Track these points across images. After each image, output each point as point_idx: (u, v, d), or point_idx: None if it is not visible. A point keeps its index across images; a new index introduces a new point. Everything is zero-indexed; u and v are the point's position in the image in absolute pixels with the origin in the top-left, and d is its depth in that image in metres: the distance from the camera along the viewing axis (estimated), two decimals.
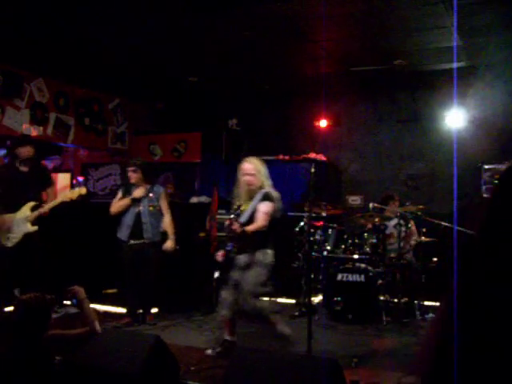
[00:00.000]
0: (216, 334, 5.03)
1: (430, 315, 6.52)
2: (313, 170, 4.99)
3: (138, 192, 5.94)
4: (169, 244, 5.99)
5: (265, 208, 4.55)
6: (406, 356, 4.81)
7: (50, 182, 6.33)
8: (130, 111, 9.24)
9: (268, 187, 4.73)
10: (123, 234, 5.99)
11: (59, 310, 6.30)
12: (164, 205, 6.11)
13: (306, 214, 6.62)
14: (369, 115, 8.56)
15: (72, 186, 9.59)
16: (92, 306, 6.78)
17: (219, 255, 4.75)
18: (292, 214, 7.01)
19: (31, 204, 5.91)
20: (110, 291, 7.31)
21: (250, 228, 4.41)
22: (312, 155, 8.01)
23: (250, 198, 4.70)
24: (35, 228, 5.89)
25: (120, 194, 6.07)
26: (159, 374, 3.55)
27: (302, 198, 7.18)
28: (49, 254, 6.35)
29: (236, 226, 4.29)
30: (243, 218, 4.54)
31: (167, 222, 6.07)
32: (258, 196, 4.63)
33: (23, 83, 7.31)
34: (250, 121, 8.80)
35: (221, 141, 8.43)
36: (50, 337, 3.07)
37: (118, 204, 5.99)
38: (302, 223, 6.81)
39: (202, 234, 6.95)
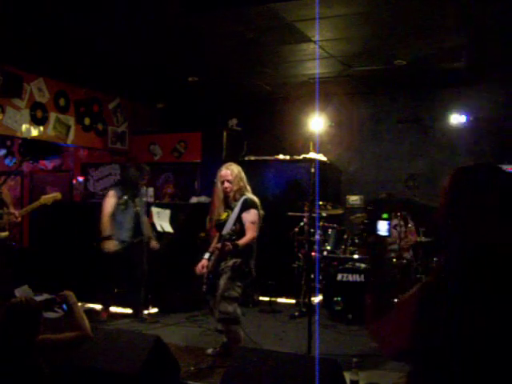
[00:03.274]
0: (216, 333, 5.03)
1: None
2: (313, 170, 4.99)
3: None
4: (156, 243, 6.44)
5: (251, 217, 4.48)
6: None
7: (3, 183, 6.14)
8: (130, 111, 9.24)
9: (248, 193, 4.67)
10: (124, 234, 6.18)
11: (58, 310, 6.30)
12: None
13: (306, 214, 6.62)
14: (369, 115, 8.55)
15: (72, 186, 9.60)
16: (93, 306, 6.83)
17: (199, 267, 4.70)
18: (292, 214, 7.00)
19: None
20: None
21: (243, 242, 4.36)
22: (312, 155, 8.01)
23: (228, 205, 4.64)
24: (6, 234, 5.74)
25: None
26: (159, 374, 3.55)
27: (301, 198, 7.17)
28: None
29: (229, 247, 4.24)
30: (226, 229, 4.47)
31: (147, 223, 6.47)
32: (240, 203, 4.53)
33: (23, 83, 7.30)
34: (250, 121, 8.80)
35: (221, 141, 8.43)
36: (40, 341, 3.04)
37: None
38: (301, 223, 6.81)
39: (202, 234, 6.95)
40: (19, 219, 5.75)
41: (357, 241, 6.59)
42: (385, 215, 1.75)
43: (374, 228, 1.74)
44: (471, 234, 1.45)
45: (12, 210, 5.73)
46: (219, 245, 4.40)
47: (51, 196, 5.91)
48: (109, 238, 6.05)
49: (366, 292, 1.66)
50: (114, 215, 6.16)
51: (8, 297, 3.84)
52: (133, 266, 6.20)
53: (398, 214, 6.37)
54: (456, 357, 1.37)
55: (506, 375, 1.35)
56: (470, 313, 1.36)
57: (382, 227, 1.74)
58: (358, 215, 6.93)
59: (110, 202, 6.20)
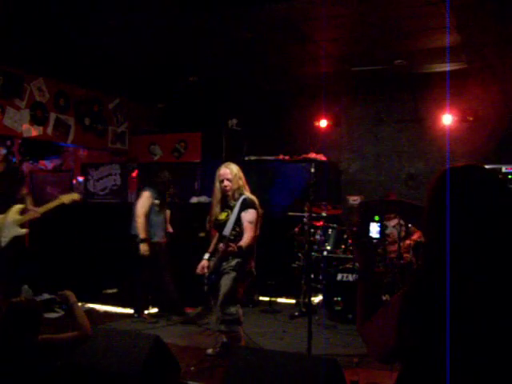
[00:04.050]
0: (216, 333, 5.03)
1: None
2: (313, 170, 5.00)
3: None
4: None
5: (249, 217, 4.48)
6: None
7: (23, 182, 6.19)
8: (130, 111, 9.24)
9: (247, 192, 4.67)
10: (159, 234, 6.27)
11: (58, 310, 6.31)
12: None
13: (306, 214, 6.62)
14: (369, 115, 8.55)
15: (72, 186, 9.59)
16: (92, 306, 6.83)
17: (200, 268, 4.69)
18: (292, 213, 7.00)
19: (19, 207, 5.76)
20: (109, 291, 7.32)
21: (245, 244, 4.36)
22: (312, 155, 8.01)
23: (227, 205, 4.64)
24: (25, 231, 5.79)
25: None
26: (159, 374, 3.55)
27: (301, 198, 7.18)
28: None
29: (233, 248, 4.24)
30: (227, 230, 4.46)
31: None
32: (239, 203, 4.52)
33: (23, 83, 7.31)
34: (250, 121, 8.80)
35: (221, 141, 8.43)
36: (41, 341, 3.04)
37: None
38: (301, 223, 6.80)
39: (201, 234, 6.95)
40: (39, 215, 5.83)
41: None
42: (376, 217, 1.77)
43: (367, 230, 1.76)
44: (442, 234, 1.44)
45: (31, 206, 5.80)
46: (222, 245, 4.40)
47: (70, 196, 5.94)
48: (146, 240, 6.03)
49: (355, 293, 1.67)
50: (147, 216, 6.17)
51: (12, 295, 3.84)
52: (160, 267, 6.25)
53: (393, 215, 6.36)
54: (437, 357, 1.37)
55: (490, 373, 1.35)
56: (449, 312, 1.36)
57: (373, 229, 1.76)
58: None
59: (147, 202, 6.18)
